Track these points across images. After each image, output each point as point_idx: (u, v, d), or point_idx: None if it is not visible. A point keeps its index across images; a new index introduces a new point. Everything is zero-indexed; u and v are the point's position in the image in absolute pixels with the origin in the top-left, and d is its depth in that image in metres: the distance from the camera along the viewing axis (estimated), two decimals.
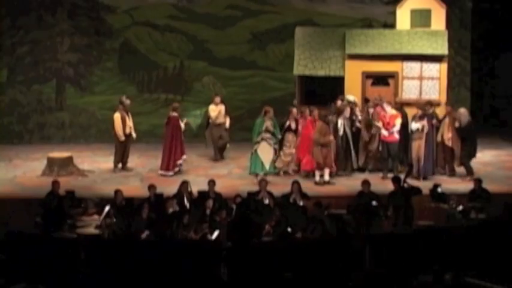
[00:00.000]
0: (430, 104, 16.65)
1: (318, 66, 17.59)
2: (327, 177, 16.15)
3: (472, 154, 16.59)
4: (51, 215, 13.01)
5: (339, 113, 16.52)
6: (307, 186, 15.37)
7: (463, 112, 16.68)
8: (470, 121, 16.69)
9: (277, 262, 10.81)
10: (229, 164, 18.25)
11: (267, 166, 16.46)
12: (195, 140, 19.79)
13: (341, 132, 16.49)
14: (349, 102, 16.77)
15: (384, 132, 16.36)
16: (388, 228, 13.10)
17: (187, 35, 22.17)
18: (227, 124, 18.46)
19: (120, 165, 17.36)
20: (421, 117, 16.30)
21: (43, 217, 13.02)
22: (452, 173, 16.68)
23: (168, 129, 17.10)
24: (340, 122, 16.50)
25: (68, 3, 21.64)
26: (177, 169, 16.91)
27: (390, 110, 16.46)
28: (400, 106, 17.00)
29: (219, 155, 18.50)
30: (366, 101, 17.15)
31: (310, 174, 16.42)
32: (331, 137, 16.11)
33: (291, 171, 16.75)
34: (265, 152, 16.48)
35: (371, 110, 16.73)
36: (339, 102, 16.72)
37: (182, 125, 17.15)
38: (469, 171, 16.42)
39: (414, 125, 16.34)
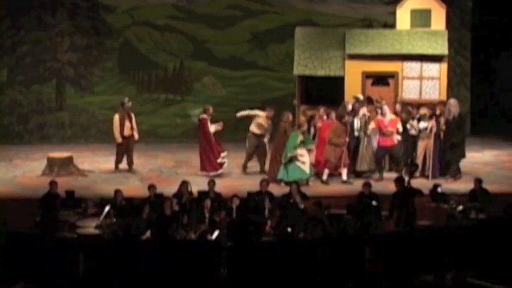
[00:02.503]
0: (443, 103, 16.63)
1: (318, 66, 17.59)
2: (344, 176, 16.13)
3: (459, 152, 16.36)
4: (48, 215, 13.02)
5: (355, 112, 16.46)
6: (308, 186, 15.38)
7: (454, 103, 16.51)
8: (461, 113, 16.61)
9: (277, 262, 10.81)
10: (229, 164, 18.20)
11: (308, 172, 16.06)
12: (194, 140, 19.77)
13: (356, 132, 16.45)
14: (358, 101, 16.70)
15: (398, 137, 16.27)
16: (389, 228, 13.10)
17: (187, 35, 22.17)
18: (266, 139, 17.07)
19: (122, 167, 17.28)
20: (430, 117, 16.27)
21: (41, 217, 13.03)
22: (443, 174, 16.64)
23: (200, 131, 17.03)
24: (356, 121, 16.46)
25: (68, 3, 21.63)
26: (223, 167, 16.76)
27: (389, 115, 16.37)
28: (404, 106, 16.94)
29: (261, 167, 17.01)
30: (369, 100, 17.08)
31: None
32: (345, 139, 16.05)
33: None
34: (305, 158, 16.04)
35: (379, 111, 16.66)
36: (352, 103, 16.62)
37: (211, 128, 16.87)
38: (456, 172, 16.34)
39: (422, 125, 16.31)
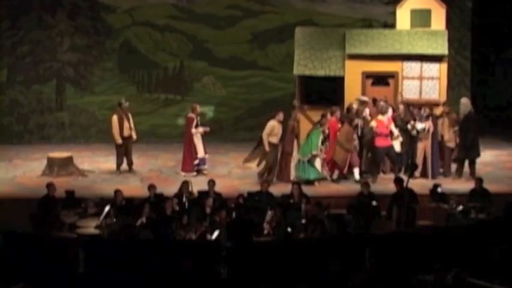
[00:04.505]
0: (447, 104, 16.68)
1: (318, 66, 17.59)
2: (357, 176, 16.13)
3: (473, 151, 16.41)
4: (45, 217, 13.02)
5: (358, 114, 16.45)
6: (308, 187, 15.37)
7: (465, 102, 16.58)
8: (471, 111, 16.59)
9: (277, 262, 10.81)
10: (229, 164, 18.24)
11: (323, 172, 16.12)
12: None
13: (359, 133, 16.45)
14: (364, 103, 16.71)
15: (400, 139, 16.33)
16: (389, 228, 13.10)
17: (187, 35, 22.17)
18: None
19: (122, 167, 17.26)
20: (427, 118, 16.28)
21: (37, 218, 13.03)
22: (448, 173, 16.63)
23: (186, 130, 17.10)
24: (360, 122, 16.44)
25: (68, 3, 21.64)
26: (195, 169, 16.87)
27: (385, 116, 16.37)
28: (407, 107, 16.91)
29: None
30: (373, 101, 17.03)
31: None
32: (355, 143, 16.11)
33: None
34: (318, 160, 16.07)
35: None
36: (357, 105, 16.61)
37: (199, 129, 16.92)
38: (460, 171, 16.39)
39: (420, 126, 16.31)
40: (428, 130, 16.27)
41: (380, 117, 16.27)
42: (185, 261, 10.68)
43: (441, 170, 16.65)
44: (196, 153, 16.88)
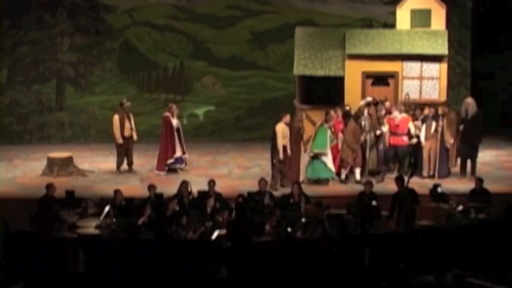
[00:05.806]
0: (446, 104, 16.67)
1: (318, 66, 17.58)
2: (358, 176, 16.12)
3: (476, 149, 16.44)
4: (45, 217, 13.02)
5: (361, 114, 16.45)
6: (308, 187, 15.36)
7: (471, 102, 16.57)
8: (479, 111, 16.58)
9: (277, 262, 10.82)
10: (229, 164, 18.24)
11: (333, 171, 15.97)
12: (194, 140, 19.79)
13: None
14: (368, 104, 16.69)
15: (413, 140, 16.31)
16: (389, 228, 13.10)
17: (187, 35, 22.17)
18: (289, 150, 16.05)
19: (122, 167, 17.26)
20: (434, 118, 16.26)
21: (37, 218, 13.03)
22: (448, 174, 16.64)
23: (162, 129, 17.13)
24: (362, 123, 16.41)
25: (68, 3, 21.64)
26: (166, 168, 16.92)
27: (400, 114, 16.35)
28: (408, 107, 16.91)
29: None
30: (374, 103, 17.01)
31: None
32: (362, 139, 16.11)
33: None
34: (329, 158, 15.89)
35: (383, 112, 16.62)
36: (362, 106, 16.61)
37: (174, 122, 16.99)
38: (464, 171, 16.44)
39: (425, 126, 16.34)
40: (436, 130, 16.26)
41: (391, 116, 16.30)
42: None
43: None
44: (173, 152, 16.92)
